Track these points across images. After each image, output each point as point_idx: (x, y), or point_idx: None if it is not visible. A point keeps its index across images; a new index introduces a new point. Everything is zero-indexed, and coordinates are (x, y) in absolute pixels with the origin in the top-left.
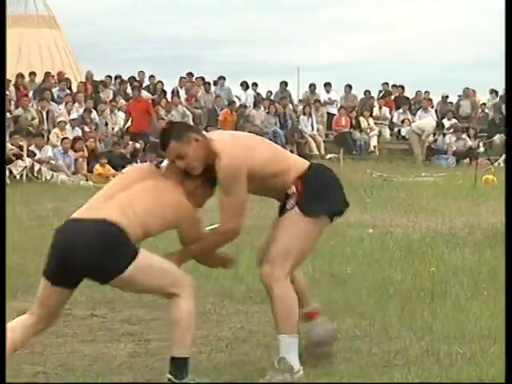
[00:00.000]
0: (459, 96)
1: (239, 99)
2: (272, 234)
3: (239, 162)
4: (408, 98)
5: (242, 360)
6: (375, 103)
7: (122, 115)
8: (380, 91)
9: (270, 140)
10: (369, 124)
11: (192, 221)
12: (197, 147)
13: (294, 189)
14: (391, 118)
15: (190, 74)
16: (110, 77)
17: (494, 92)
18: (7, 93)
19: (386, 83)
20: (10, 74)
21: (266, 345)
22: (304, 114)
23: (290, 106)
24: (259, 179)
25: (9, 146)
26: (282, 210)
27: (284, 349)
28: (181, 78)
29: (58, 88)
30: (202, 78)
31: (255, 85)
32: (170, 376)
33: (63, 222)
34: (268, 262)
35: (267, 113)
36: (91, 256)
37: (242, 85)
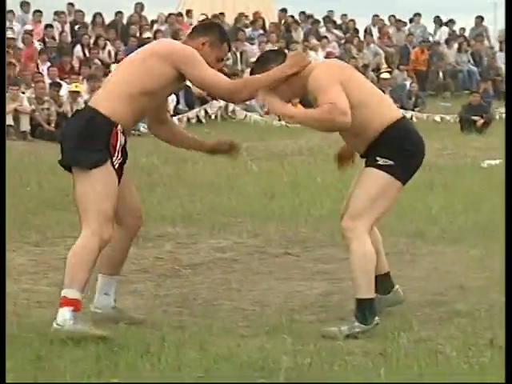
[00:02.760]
0: None
1: (432, 36)
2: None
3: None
4: None
5: (435, 300)
6: None
7: (313, 55)
8: None
9: (464, 78)
10: None
11: None
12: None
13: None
14: None
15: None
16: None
17: None
18: None
19: None
20: (197, 16)
21: (461, 285)
22: (501, 50)
23: (487, 42)
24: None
25: None
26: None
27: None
28: (373, 16)
29: (251, 28)
30: (393, 16)
31: (451, 21)
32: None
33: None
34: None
35: (459, 51)
36: None
37: (435, 21)
